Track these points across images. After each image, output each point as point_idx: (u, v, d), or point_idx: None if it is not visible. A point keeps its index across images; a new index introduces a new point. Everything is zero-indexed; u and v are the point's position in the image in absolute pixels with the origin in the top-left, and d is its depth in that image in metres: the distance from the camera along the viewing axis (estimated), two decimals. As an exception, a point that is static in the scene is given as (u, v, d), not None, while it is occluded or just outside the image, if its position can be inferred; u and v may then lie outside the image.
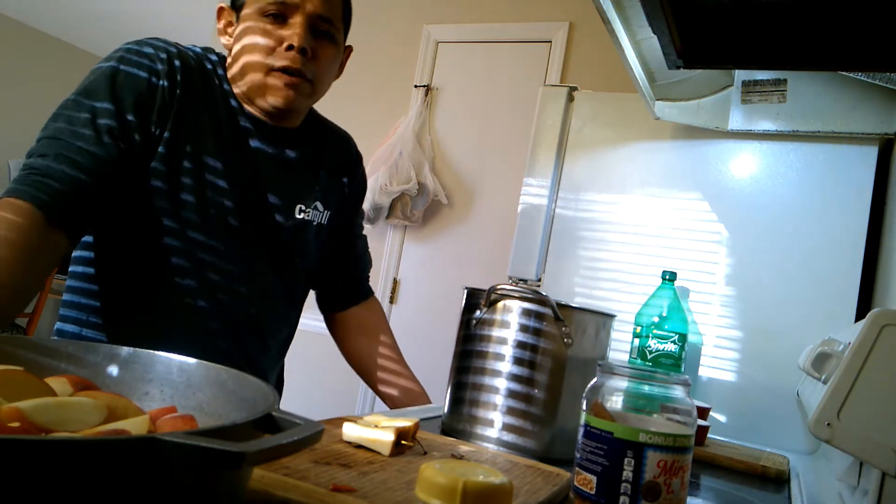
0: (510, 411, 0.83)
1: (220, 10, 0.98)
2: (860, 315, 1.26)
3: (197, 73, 0.93)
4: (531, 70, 2.85)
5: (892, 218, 1.22)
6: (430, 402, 1.15)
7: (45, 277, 0.80)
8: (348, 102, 3.13)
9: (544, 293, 0.84)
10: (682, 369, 1.31)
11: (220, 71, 0.97)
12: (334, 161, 1.10)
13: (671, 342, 1.29)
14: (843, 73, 1.25)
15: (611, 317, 0.89)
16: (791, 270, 1.34)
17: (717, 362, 1.37)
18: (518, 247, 1.62)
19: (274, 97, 0.93)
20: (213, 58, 0.98)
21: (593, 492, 0.53)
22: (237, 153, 0.95)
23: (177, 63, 0.90)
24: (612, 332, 0.91)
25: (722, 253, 1.41)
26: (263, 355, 1.03)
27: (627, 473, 0.51)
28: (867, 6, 0.79)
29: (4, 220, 0.75)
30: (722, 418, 1.34)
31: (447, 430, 0.89)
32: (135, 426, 0.41)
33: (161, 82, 0.88)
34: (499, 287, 0.87)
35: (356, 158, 1.17)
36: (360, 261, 1.21)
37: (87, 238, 0.93)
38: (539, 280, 1.59)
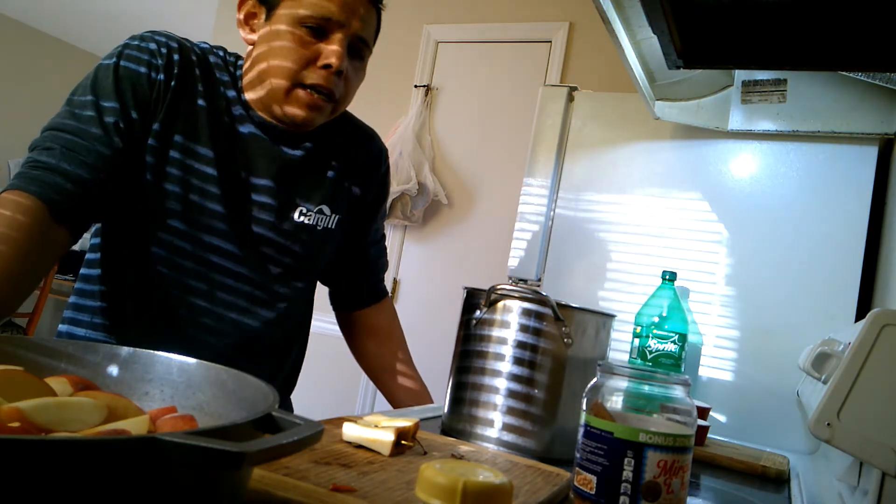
0: (510, 411, 0.83)
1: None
2: (860, 315, 1.26)
3: (197, 67, 0.91)
4: (531, 70, 2.85)
5: (892, 218, 1.22)
6: (433, 402, 1.15)
7: (44, 274, 0.80)
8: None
9: (544, 293, 0.84)
10: (682, 369, 1.31)
11: (223, 63, 0.95)
12: (349, 163, 1.05)
13: (671, 342, 1.29)
14: (843, 73, 1.25)
15: (611, 317, 0.89)
16: (791, 270, 1.34)
17: (717, 362, 1.37)
18: (518, 247, 1.62)
19: (295, 110, 0.90)
20: (220, 53, 0.95)
21: (593, 492, 0.53)
22: (230, 142, 0.92)
23: (175, 57, 0.89)
24: (612, 332, 0.91)
25: (722, 253, 1.41)
26: (270, 357, 1.02)
27: (627, 473, 0.51)
28: (867, 6, 0.79)
29: (6, 215, 0.75)
30: (722, 418, 1.34)
31: (447, 430, 0.89)
32: (135, 426, 0.41)
33: (158, 76, 0.87)
34: (499, 287, 0.87)
35: (378, 156, 1.10)
36: (374, 265, 1.17)
37: (95, 240, 0.93)
38: (539, 280, 1.59)
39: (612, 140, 1.57)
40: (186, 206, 0.89)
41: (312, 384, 2.91)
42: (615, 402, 0.55)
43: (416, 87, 3.07)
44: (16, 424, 0.36)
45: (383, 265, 1.20)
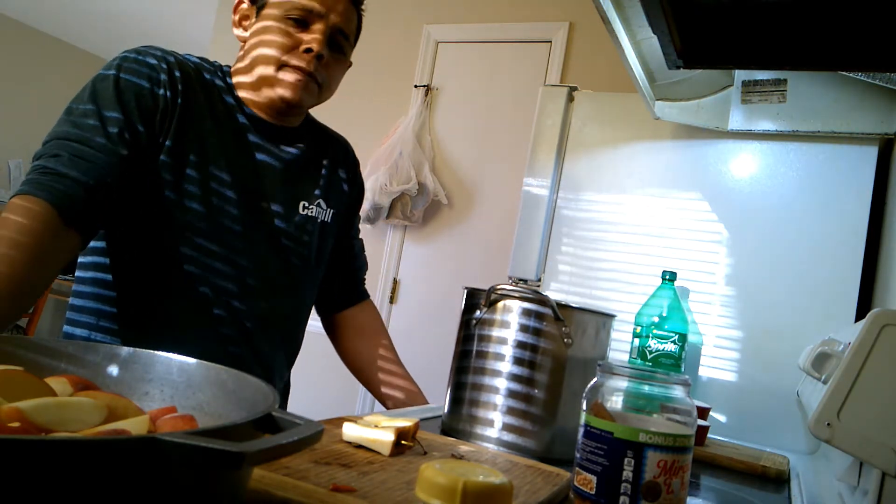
0: (510, 411, 0.83)
1: (239, 2, 1.01)
2: (860, 315, 1.26)
3: (196, 80, 0.94)
4: (531, 70, 2.85)
5: (892, 218, 1.22)
6: (427, 403, 1.15)
7: (54, 277, 0.80)
8: (348, 102, 3.13)
9: (544, 293, 0.84)
10: (682, 369, 1.31)
11: (219, 74, 0.98)
12: (336, 159, 1.12)
13: (671, 342, 1.29)
14: (843, 73, 1.25)
15: (611, 317, 0.89)
16: (791, 270, 1.34)
17: (717, 362, 1.38)
18: (518, 247, 1.62)
19: (283, 89, 0.96)
20: (207, 66, 0.99)
21: (593, 492, 0.53)
22: (238, 153, 0.96)
23: (177, 73, 0.91)
24: (612, 332, 0.91)
25: (722, 253, 1.41)
26: (275, 361, 1.03)
27: (627, 473, 0.51)
28: (867, 6, 0.79)
29: (17, 221, 0.75)
30: (722, 418, 1.34)
31: (447, 430, 0.89)
32: (135, 426, 0.41)
33: (161, 91, 0.89)
34: (499, 287, 0.87)
35: (354, 162, 1.19)
36: (357, 261, 1.22)
37: (99, 243, 0.93)
38: (539, 280, 1.59)
39: (612, 140, 1.57)
40: (209, 223, 0.92)
41: (312, 384, 2.92)
42: (615, 402, 0.55)
43: (416, 87, 3.07)
44: (16, 424, 0.36)
45: (364, 263, 1.25)
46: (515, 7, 2.91)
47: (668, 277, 1.33)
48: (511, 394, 0.83)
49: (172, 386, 0.51)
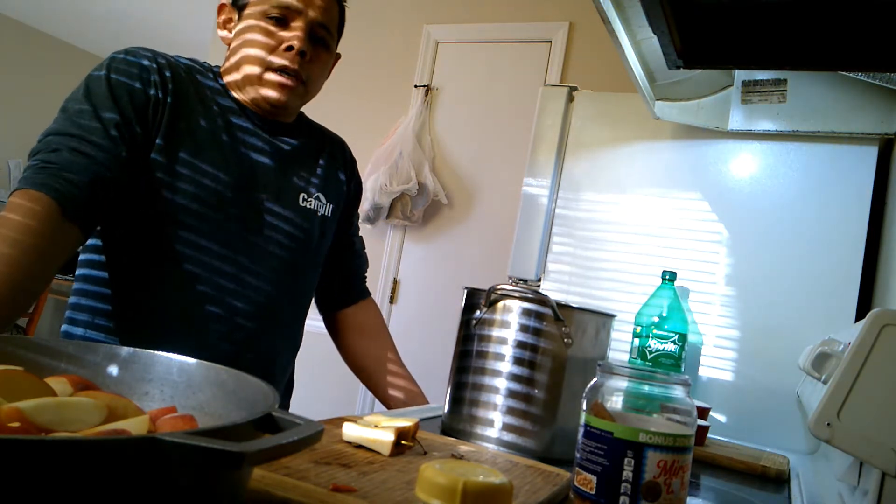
0: (510, 411, 0.83)
1: (222, 6, 1.02)
2: (860, 315, 1.26)
3: (187, 79, 0.95)
4: (531, 70, 2.85)
5: (892, 218, 1.22)
6: (427, 403, 1.15)
7: (55, 272, 0.80)
8: (348, 102, 3.13)
9: (544, 293, 0.84)
10: (682, 369, 1.31)
11: (209, 75, 0.99)
12: (333, 156, 1.13)
13: (671, 342, 1.29)
14: (843, 73, 1.25)
15: (611, 317, 0.89)
16: (791, 270, 1.34)
17: (717, 362, 1.37)
18: (518, 247, 1.62)
19: (268, 91, 0.97)
20: (198, 66, 1.00)
21: (593, 492, 0.53)
22: (232, 149, 0.96)
23: (167, 73, 0.92)
24: (612, 332, 0.91)
25: (722, 253, 1.41)
26: (276, 357, 1.03)
27: (627, 473, 0.51)
28: (867, 6, 0.79)
29: (17, 219, 0.75)
30: (722, 418, 1.34)
31: (447, 430, 0.89)
32: (135, 426, 0.41)
33: (153, 91, 0.90)
34: (499, 287, 0.87)
35: (351, 160, 1.19)
36: (358, 258, 1.22)
37: (96, 241, 0.93)
38: (539, 280, 1.59)
39: (612, 140, 1.57)
40: (204, 221, 0.92)
41: (312, 384, 2.92)
42: (615, 402, 0.55)
43: (416, 87, 3.07)
44: (16, 424, 0.36)
45: (365, 261, 1.25)
46: (515, 7, 2.91)
47: (668, 277, 1.33)
48: (511, 394, 0.83)
49: (172, 386, 0.51)
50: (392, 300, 3.00)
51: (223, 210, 0.93)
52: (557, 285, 1.56)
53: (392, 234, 3.01)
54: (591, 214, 1.57)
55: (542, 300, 0.84)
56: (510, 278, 1.61)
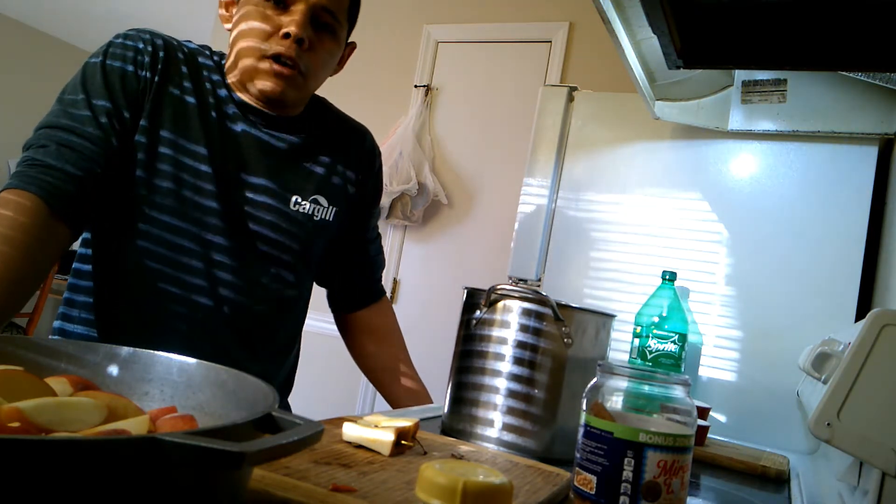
0: (510, 411, 0.83)
1: None
2: (860, 315, 1.26)
3: (185, 62, 0.92)
4: (531, 70, 2.85)
5: (892, 218, 1.22)
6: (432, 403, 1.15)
7: (47, 271, 0.80)
8: (348, 102, 3.12)
9: (544, 293, 0.84)
10: (682, 369, 1.31)
11: (213, 59, 0.96)
12: (342, 155, 1.05)
13: (671, 342, 1.29)
14: (843, 73, 1.25)
15: (611, 317, 0.89)
16: (791, 270, 1.34)
17: (717, 362, 1.37)
18: (518, 247, 1.62)
19: (262, 82, 0.91)
20: (208, 53, 0.97)
21: (593, 492, 0.53)
22: (222, 139, 0.92)
23: (161, 54, 0.90)
24: (612, 332, 0.90)
25: (722, 253, 1.41)
26: (266, 354, 1.01)
27: (627, 473, 0.51)
28: (867, 6, 0.79)
29: (7, 216, 0.75)
30: (722, 418, 1.34)
31: (447, 430, 0.89)
32: (135, 426, 0.41)
33: (143, 73, 0.88)
34: (499, 287, 0.87)
35: (370, 154, 1.12)
36: (373, 263, 1.18)
37: (86, 235, 0.93)
38: (539, 280, 1.59)
39: (612, 140, 1.57)
40: (180, 202, 0.89)
41: (312, 384, 2.92)
42: (615, 402, 0.55)
43: (416, 87, 3.07)
44: (16, 424, 0.36)
45: (381, 263, 1.21)
46: (515, 7, 2.91)
47: (668, 277, 1.33)
48: (511, 394, 0.83)
49: (172, 386, 0.51)
50: (392, 300, 3.00)
51: (201, 193, 0.90)
52: (557, 285, 1.56)
53: (392, 234, 3.01)
54: (590, 214, 1.57)
55: (542, 300, 0.84)
56: (510, 278, 1.61)
